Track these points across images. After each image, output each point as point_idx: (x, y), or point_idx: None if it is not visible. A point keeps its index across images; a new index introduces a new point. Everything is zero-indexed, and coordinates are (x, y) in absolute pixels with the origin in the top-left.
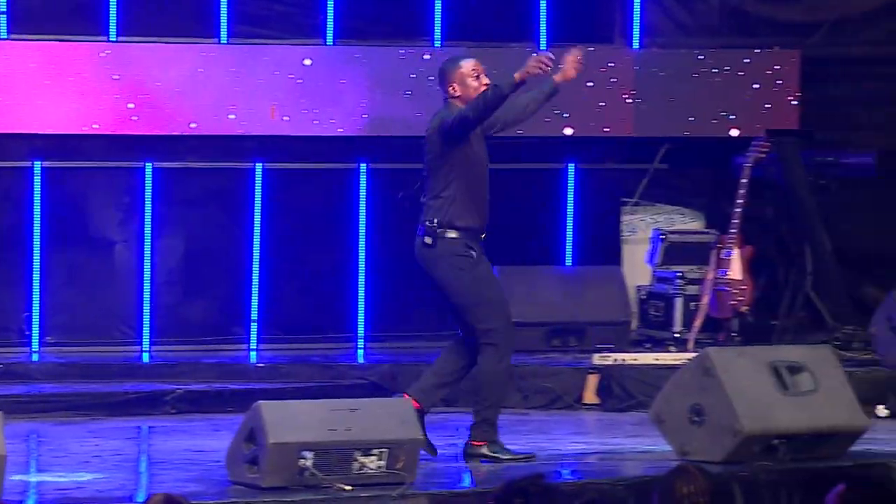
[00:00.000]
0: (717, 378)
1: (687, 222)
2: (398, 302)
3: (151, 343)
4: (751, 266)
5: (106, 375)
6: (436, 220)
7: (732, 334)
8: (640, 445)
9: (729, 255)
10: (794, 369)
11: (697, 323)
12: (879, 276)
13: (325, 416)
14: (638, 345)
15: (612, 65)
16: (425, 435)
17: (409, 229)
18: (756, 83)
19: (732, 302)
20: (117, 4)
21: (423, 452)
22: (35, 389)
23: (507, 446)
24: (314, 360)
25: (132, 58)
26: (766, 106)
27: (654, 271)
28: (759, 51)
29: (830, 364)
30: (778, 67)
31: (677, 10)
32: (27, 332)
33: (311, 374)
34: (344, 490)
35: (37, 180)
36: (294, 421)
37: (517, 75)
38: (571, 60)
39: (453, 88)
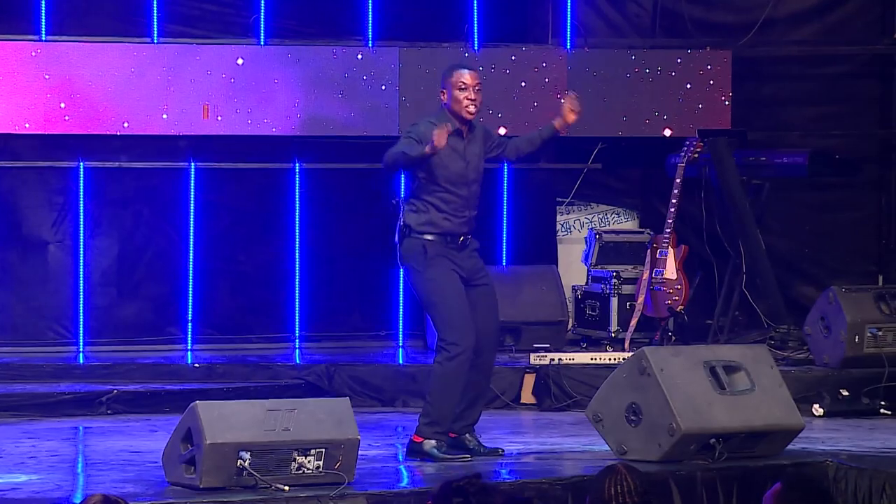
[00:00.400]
0: (653, 377)
1: (621, 222)
2: (334, 302)
3: (86, 344)
4: (685, 266)
5: (41, 376)
6: (403, 222)
7: (668, 334)
8: (577, 445)
9: (664, 254)
10: (730, 369)
11: (633, 322)
12: (812, 275)
13: (263, 416)
14: (574, 344)
15: (546, 65)
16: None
17: (343, 229)
18: (688, 83)
19: (668, 301)
20: (47, 3)
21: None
22: None
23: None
24: (250, 360)
25: (63, 57)
26: (699, 106)
27: (590, 271)
28: (691, 51)
29: (766, 363)
30: (710, 68)
31: (610, 10)
32: None
33: (248, 374)
34: (282, 490)
35: None
36: (231, 421)
37: (427, 149)
38: (568, 105)
39: (443, 94)
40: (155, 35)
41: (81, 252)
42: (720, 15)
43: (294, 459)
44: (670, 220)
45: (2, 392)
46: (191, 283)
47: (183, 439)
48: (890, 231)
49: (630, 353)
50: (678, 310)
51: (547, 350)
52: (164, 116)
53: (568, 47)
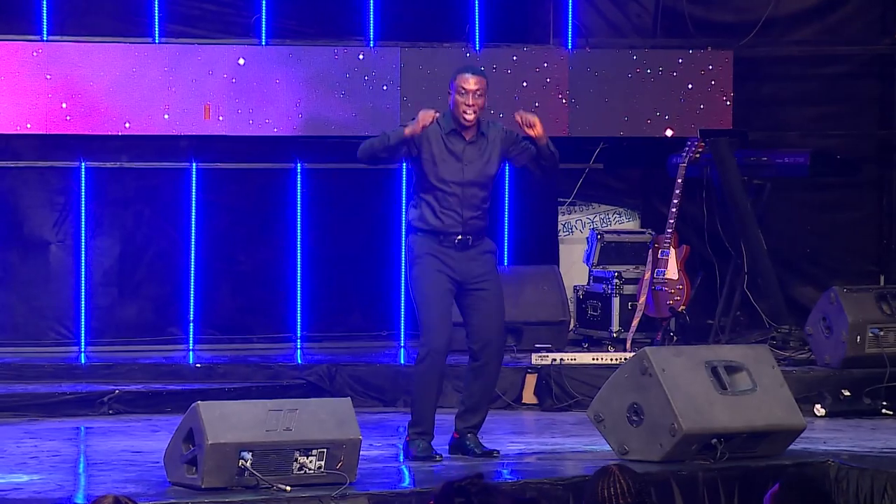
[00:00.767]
0: (655, 377)
1: (622, 222)
2: (335, 302)
3: (88, 344)
4: (687, 266)
5: (42, 376)
6: (406, 218)
7: (670, 334)
8: (579, 445)
9: (665, 254)
10: (732, 369)
11: (635, 322)
12: (814, 275)
13: (264, 416)
14: (576, 344)
15: (547, 65)
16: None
17: (344, 229)
18: (690, 83)
19: (669, 302)
20: (49, 3)
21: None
22: None
23: (420, 449)
24: (252, 360)
25: (65, 57)
26: (700, 106)
27: (591, 271)
28: (692, 52)
29: (767, 363)
30: (711, 68)
31: (611, 11)
32: None
33: (249, 374)
34: (284, 491)
35: None
36: (233, 421)
37: (407, 130)
38: (520, 121)
39: (449, 95)
40: (156, 35)
41: (83, 252)
42: (721, 15)
43: (296, 460)
44: (672, 221)
45: (3, 392)
46: (192, 284)
47: (184, 439)
48: (891, 231)
49: (631, 354)
50: (680, 310)
51: (548, 350)
52: (166, 116)
53: (569, 47)
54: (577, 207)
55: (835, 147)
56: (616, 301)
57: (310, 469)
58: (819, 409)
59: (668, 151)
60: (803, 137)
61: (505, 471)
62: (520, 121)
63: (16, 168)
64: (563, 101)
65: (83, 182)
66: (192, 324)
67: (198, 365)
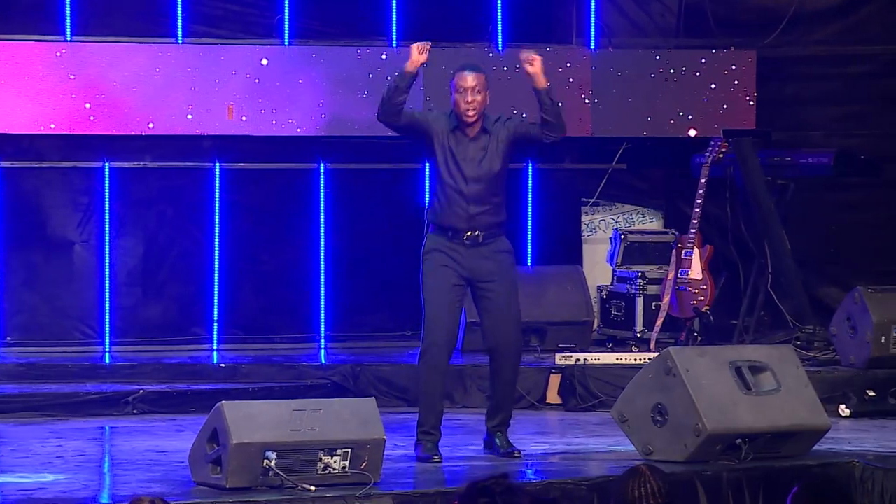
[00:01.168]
0: (679, 378)
1: (646, 222)
2: (359, 302)
3: (112, 344)
4: (710, 266)
5: (67, 376)
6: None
7: (694, 334)
8: (603, 445)
9: (689, 254)
10: (756, 369)
11: (659, 323)
12: (838, 275)
13: (289, 416)
14: (600, 344)
15: (570, 65)
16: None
17: (368, 229)
18: (713, 83)
19: (693, 302)
20: (73, 4)
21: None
22: None
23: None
24: (276, 360)
25: (88, 57)
26: (724, 106)
27: (615, 271)
28: (715, 51)
29: (792, 364)
30: (734, 68)
31: (634, 10)
32: None
33: (273, 374)
34: (308, 490)
35: None
36: (257, 421)
37: (407, 67)
38: (528, 59)
39: (450, 93)
40: (179, 35)
41: (107, 252)
42: (744, 15)
43: (320, 459)
44: (695, 221)
45: (28, 392)
46: (216, 284)
47: (209, 439)
48: None
49: (655, 354)
50: (703, 310)
51: (572, 350)
52: (189, 117)
53: (592, 47)
54: (600, 207)
55: (858, 147)
56: (640, 301)
57: (334, 469)
58: (844, 410)
59: (692, 151)
60: (827, 137)
61: (529, 471)
62: (524, 57)
63: (40, 168)
64: (586, 101)
65: (107, 182)
66: (215, 324)
67: (222, 365)
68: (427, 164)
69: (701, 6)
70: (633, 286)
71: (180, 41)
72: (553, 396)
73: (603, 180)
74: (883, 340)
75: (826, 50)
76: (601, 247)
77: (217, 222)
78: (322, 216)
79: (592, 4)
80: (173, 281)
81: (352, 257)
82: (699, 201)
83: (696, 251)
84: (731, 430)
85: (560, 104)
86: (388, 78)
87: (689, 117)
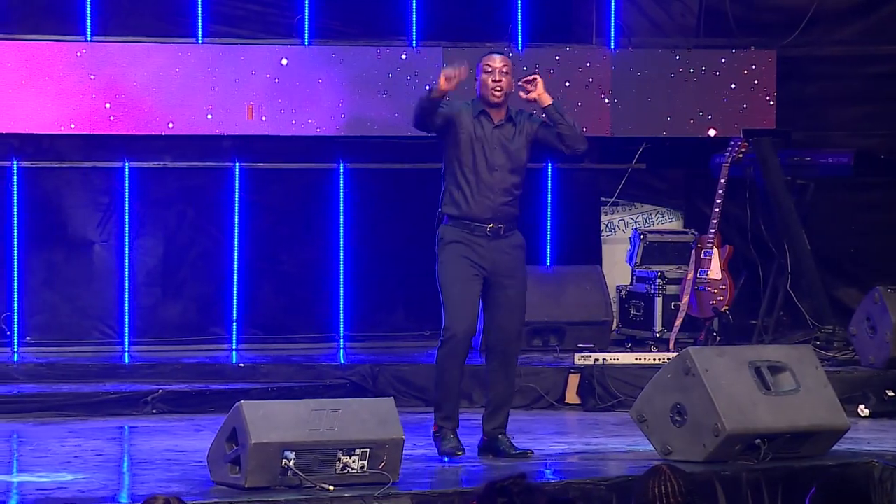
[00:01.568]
0: (698, 378)
1: (665, 222)
2: (379, 301)
3: (131, 343)
4: (730, 266)
5: (86, 376)
6: (439, 209)
7: (713, 334)
8: (622, 445)
9: (708, 254)
10: (775, 369)
11: (678, 323)
12: (857, 275)
13: (307, 416)
14: (619, 344)
15: (590, 65)
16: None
17: (387, 229)
18: (733, 83)
19: (712, 302)
20: (93, 4)
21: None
22: (15, 390)
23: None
24: (295, 360)
25: (108, 57)
26: (744, 106)
27: (634, 271)
28: (735, 51)
29: (811, 364)
30: (754, 67)
31: (654, 10)
32: (7, 333)
33: (292, 373)
34: (327, 490)
35: (14, 180)
36: (276, 421)
37: (433, 93)
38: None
39: (475, 79)
40: (199, 35)
41: (126, 252)
42: (764, 14)
43: (339, 459)
44: (715, 221)
45: (47, 392)
46: (235, 283)
47: (228, 439)
48: None
49: (675, 354)
50: (723, 310)
51: (591, 350)
52: (209, 117)
53: (612, 47)
54: (619, 207)
55: (878, 147)
56: (659, 301)
57: (353, 469)
58: (863, 410)
59: (711, 151)
60: (847, 137)
61: (548, 471)
62: (520, 90)
63: (60, 168)
64: (606, 101)
65: (127, 182)
66: (235, 323)
67: (241, 365)
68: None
69: (721, 6)
70: (653, 286)
71: (200, 41)
72: (572, 396)
73: (622, 180)
74: None
75: (846, 50)
76: (620, 247)
77: (237, 222)
78: (341, 216)
79: (612, 4)
80: (193, 281)
81: (371, 257)
82: (719, 201)
83: (715, 251)
84: (751, 431)
85: (574, 121)
86: (425, 87)
87: (709, 117)
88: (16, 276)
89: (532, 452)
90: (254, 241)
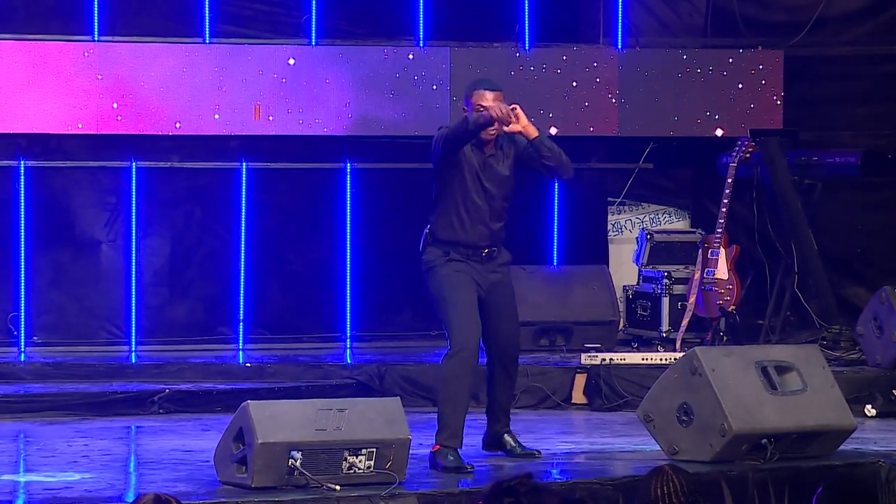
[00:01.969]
0: (705, 377)
1: (672, 222)
2: (385, 301)
3: (138, 343)
4: (737, 266)
5: (93, 375)
6: (427, 229)
7: (720, 334)
8: (628, 445)
9: (715, 254)
10: (782, 369)
11: (685, 322)
12: (865, 275)
13: (314, 415)
14: (625, 344)
15: (597, 65)
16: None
17: (394, 229)
18: (740, 83)
19: (719, 301)
20: (100, 4)
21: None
22: (22, 389)
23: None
24: (301, 359)
25: (116, 57)
26: (751, 106)
27: (641, 271)
28: (742, 51)
29: (818, 364)
30: (762, 67)
31: (662, 10)
32: (14, 332)
33: (299, 373)
34: (333, 490)
35: (21, 180)
36: (282, 421)
37: (479, 119)
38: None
39: (464, 109)
40: (207, 35)
41: (133, 252)
42: (772, 14)
43: (345, 459)
44: (722, 220)
45: (55, 391)
46: (242, 283)
47: (234, 439)
48: None
49: (681, 354)
50: (730, 310)
51: (598, 350)
52: (216, 116)
53: (619, 47)
54: (626, 207)
55: (886, 147)
56: (666, 301)
57: (359, 468)
58: (870, 410)
59: (719, 151)
60: (854, 137)
61: (554, 471)
62: (508, 126)
63: (67, 168)
64: (613, 100)
65: (134, 182)
66: (241, 323)
67: (247, 364)
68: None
69: (729, 6)
70: (660, 286)
71: (208, 41)
72: (578, 396)
73: (629, 180)
74: None
75: (853, 50)
76: (627, 246)
77: (244, 222)
78: (348, 216)
79: (620, 4)
80: (200, 280)
81: (378, 257)
82: (726, 201)
83: (722, 251)
84: (757, 430)
85: (561, 151)
86: (468, 118)
87: (716, 117)
88: (23, 275)
89: (539, 453)
90: (261, 240)
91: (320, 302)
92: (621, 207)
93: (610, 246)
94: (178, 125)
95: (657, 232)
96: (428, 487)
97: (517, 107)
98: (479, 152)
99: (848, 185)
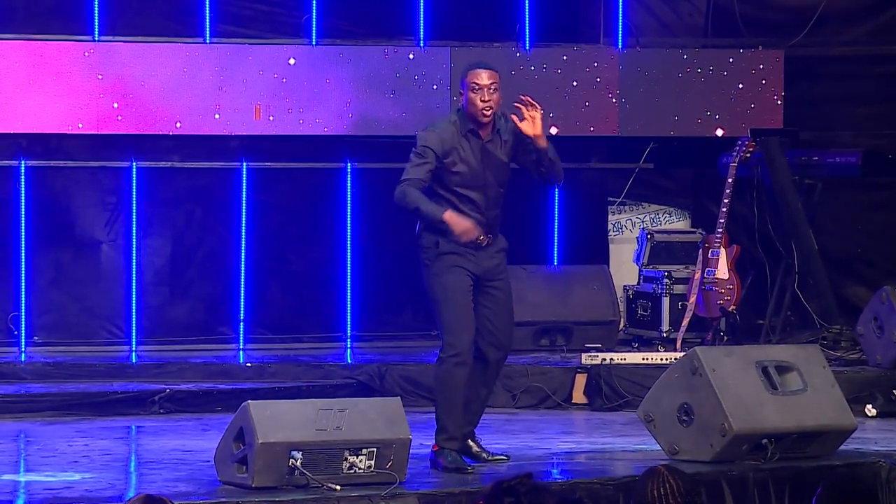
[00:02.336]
0: (705, 377)
1: (673, 222)
2: (386, 301)
3: (139, 343)
4: (737, 266)
5: (94, 375)
6: (420, 225)
7: (720, 334)
8: (629, 445)
9: (716, 254)
10: (783, 369)
11: (685, 322)
12: (865, 275)
13: (314, 415)
14: (626, 344)
15: (597, 65)
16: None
17: (395, 229)
18: (741, 83)
19: (720, 301)
20: (101, 4)
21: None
22: (23, 389)
23: (453, 459)
24: (302, 359)
25: (116, 57)
26: (751, 106)
27: (641, 271)
28: (743, 51)
29: (818, 363)
30: (762, 67)
31: (663, 10)
32: (15, 332)
33: (300, 373)
34: (334, 490)
35: (22, 180)
36: (283, 421)
37: (444, 216)
38: (523, 117)
39: (460, 93)
40: (207, 35)
41: (134, 252)
42: (772, 14)
43: (345, 459)
44: (722, 220)
45: (55, 391)
46: (242, 283)
47: (235, 439)
48: None
49: (682, 353)
50: (730, 310)
51: (598, 350)
52: (217, 116)
53: (620, 47)
54: (627, 207)
55: (886, 147)
56: (666, 301)
57: (360, 468)
58: (870, 410)
59: (719, 151)
60: (855, 137)
61: (555, 470)
62: (521, 113)
63: (68, 168)
64: (614, 100)
65: (134, 182)
66: (242, 323)
67: (248, 364)
68: None
69: (729, 6)
70: (660, 286)
71: (208, 41)
72: (579, 396)
73: (630, 180)
74: None
75: (854, 50)
76: (628, 246)
77: (244, 222)
78: (349, 216)
79: (620, 4)
80: (200, 280)
81: (378, 257)
82: (726, 201)
83: (722, 251)
84: (758, 430)
85: (558, 159)
86: (418, 198)
87: (717, 117)
88: (23, 275)
89: (509, 457)
90: (261, 240)
91: (320, 302)
92: (622, 207)
93: (610, 246)
94: (178, 125)
95: (657, 232)
96: (428, 487)
97: (539, 112)
98: (475, 139)
99: (848, 185)
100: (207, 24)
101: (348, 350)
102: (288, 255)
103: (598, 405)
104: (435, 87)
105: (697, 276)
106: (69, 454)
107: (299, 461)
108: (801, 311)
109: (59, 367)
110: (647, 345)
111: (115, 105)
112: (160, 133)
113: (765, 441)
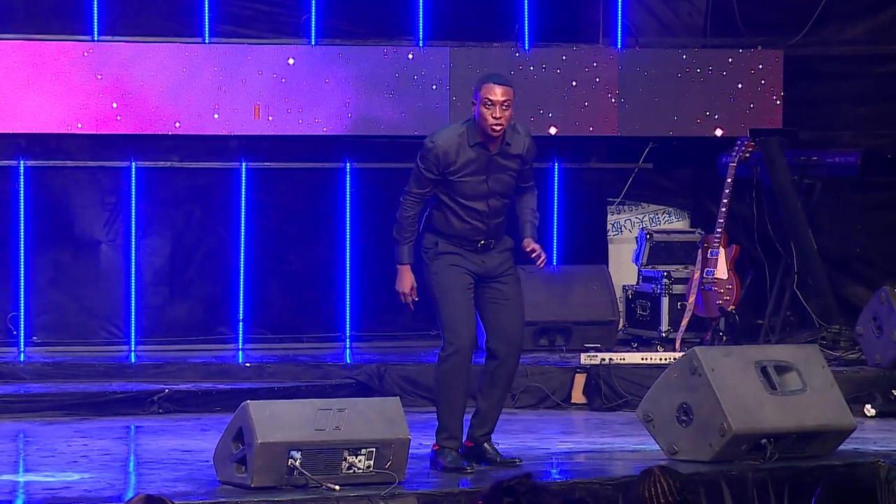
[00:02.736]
0: (704, 377)
1: (672, 222)
2: (385, 301)
3: (138, 343)
4: (736, 265)
5: (93, 375)
6: (426, 214)
7: (719, 333)
8: (628, 445)
9: (715, 254)
10: (782, 369)
11: (684, 322)
12: (864, 275)
13: (313, 415)
14: (625, 344)
15: (597, 65)
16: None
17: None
18: (740, 83)
19: (719, 301)
20: (100, 4)
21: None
22: (22, 389)
23: (451, 460)
24: (301, 359)
25: (115, 57)
26: (750, 106)
27: (641, 271)
28: (742, 51)
29: (817, 363)
30: (761, 67)
31: (662, 10)
32: (14, 332)
33: (298, 373)
34: (333, 490)
35: (21, 180)
36: (282, 420)
37: (399, 266)
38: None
39: (473, 105)
40: (206, 35)
41: (133, 252)
42: (772, 14)
43: (345, 459)
44: (721, 220)
45: (54, 391)
46: (242, 283)
47: (234, 439)
48: None
49: (681, 353)
50: (729, 310)
51: (598, 350)
52: (216, 116)
53: (619, 47)
54: (626, 207)
55: (885, 147)
56: (665, 301)
57: (359, 468)
58: (869, 410)
59: (718, 151)
60: (854, 137)
61: (554, 470)
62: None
63: (67, 168)
64: (613, 100)
65: (133, 182)
66: (241, 323)
67: (247, 364)
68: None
69: (728, 5)
70: (659, 286)
71: (207, 41)
72: (578, 396)
73: (629, 180)
74: None
75: (854, 49)
76: (627, 246)
77: (243, 222)
78: (348, 216)
79: (619, 4)
80: (199, 280)
81: (378, 257)
82: (725, 201)
83: (721, 251)
84: (757, 430)
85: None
86: (402, 230)
87: (716, 117)
88: (22, 275)
89: (520, 460)
90: (261, 240)
91: (320, 302)
92: (621, 207)
93: (610, 246)
94: (177, 125)
95: (657, 232)
96: (428, 487)
97: (543, 257)
98: (484, 151)
99: (848, 185)
100: (207, 24)
101: (347, 350)
102: (287, 255)
103: (598, 405)
104: (434, 87)
105: (696, 276)
106: (68, 454)
107: (298, 461)
108: (800, 311)
109: (59, 367)
110: (646, 345)
111: (115, 105)
112: (159, 133)
113: (764, 441)
